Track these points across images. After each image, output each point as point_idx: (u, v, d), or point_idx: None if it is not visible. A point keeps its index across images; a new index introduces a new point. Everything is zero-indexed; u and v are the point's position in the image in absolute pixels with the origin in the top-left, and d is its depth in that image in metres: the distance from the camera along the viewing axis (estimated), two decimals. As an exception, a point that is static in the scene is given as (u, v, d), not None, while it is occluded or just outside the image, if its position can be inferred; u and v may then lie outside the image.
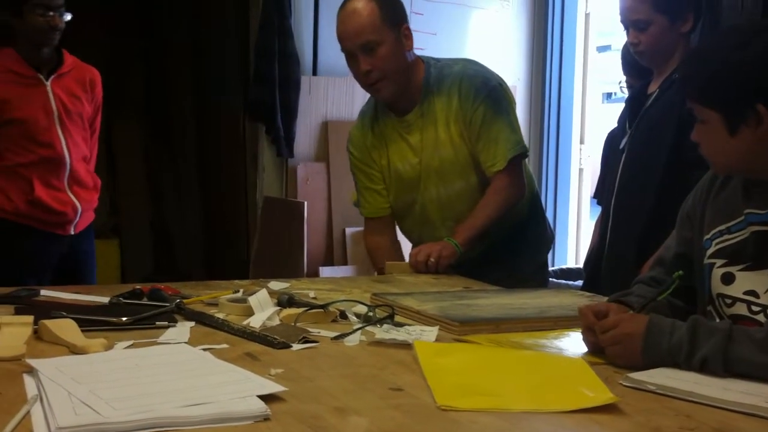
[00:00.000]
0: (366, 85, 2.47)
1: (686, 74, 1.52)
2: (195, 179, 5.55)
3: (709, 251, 1.49)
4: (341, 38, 2.43)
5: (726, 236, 1.47)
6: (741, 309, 1.43)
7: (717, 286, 1.48)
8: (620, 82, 2.96)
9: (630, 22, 2.39)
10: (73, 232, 3.00)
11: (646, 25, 2.34)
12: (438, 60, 2.56)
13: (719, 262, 1.48)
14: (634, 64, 2.80)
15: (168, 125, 5.59)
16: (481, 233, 2.46)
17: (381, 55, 2.38)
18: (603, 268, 2.54)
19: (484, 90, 2.45)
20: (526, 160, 2.60)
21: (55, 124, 2.91)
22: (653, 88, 2.44)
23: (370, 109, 2.62)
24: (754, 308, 1.42)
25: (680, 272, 1.50)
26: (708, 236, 1.51)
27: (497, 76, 2.55)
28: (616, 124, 2.89)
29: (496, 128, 2.44)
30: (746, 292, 1.43)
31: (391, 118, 2.53)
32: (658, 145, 2.33)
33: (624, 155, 2.46)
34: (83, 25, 3.47)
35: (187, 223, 5.54)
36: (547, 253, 2.78)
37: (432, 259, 2.35)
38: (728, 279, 1.46)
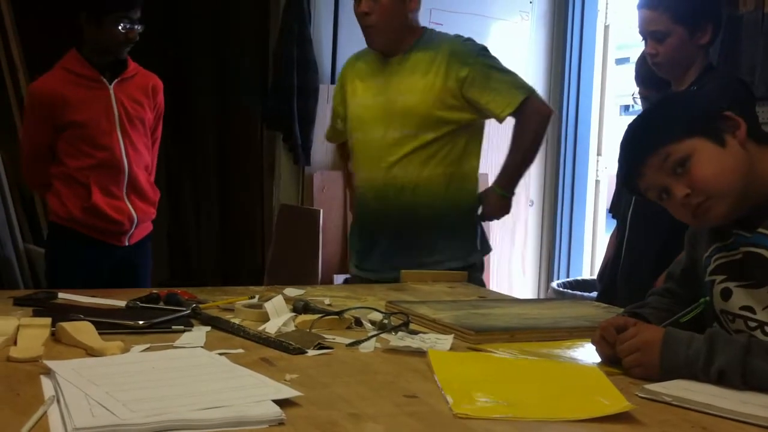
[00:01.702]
0: (362, 26, 2.60)
1: (665, 121, 1.50)
2: (213, 186, 5.57)
3: (710, 268, 1.50)
4: None
5: (723, 253, 1.48)
6: (739, 325, 1.43)
7: (718, 302, 1.48)
8: (633, 94, 2.95)
9: (648, 33, 2.38)
10: (128, 243, 2.90)
11: (664, 37, 2.33)
12: (431, 29, 2.69)
13: (719, 278, 1.48)
14: (648, 74, 2.78)
15: (187, 132, 5.62)
16: (522, 172, 2.62)
17: (384, 3, 2.52)
18: (618, 279, 2.54)
19: (479, 50, 2.58)
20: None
21: (116, 128, 2.82)
22: None
23: (364, 50, 2.75)
24: (751, 324, 1.42)
25: (707, 298, 1.51)
26: (707, 253, 1.51)
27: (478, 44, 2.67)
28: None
29: (491, 77, 2.55)
30: (742, 308, 1.43)
31: (375, 57, 2.67)
32: None
33: None
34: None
35: (204, 229, 5.57)
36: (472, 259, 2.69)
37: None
38: (726, 294, 1.46)
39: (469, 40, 2.65)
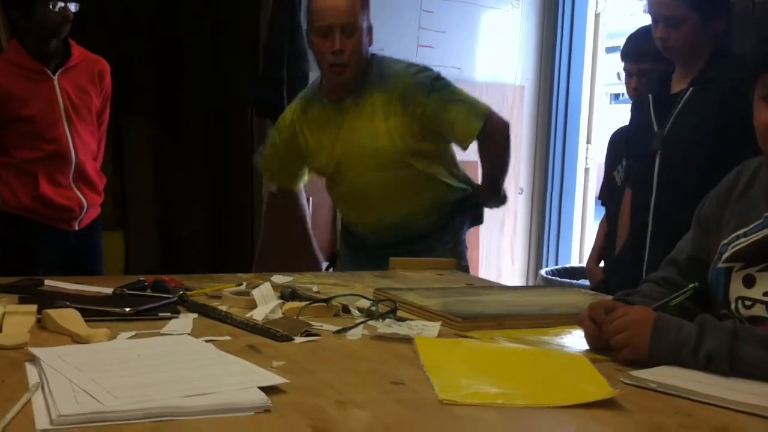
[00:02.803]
0: (332, 65, 2.51)
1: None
2: (202, 173, 5.56)
3: (726, 255, 1.48)
4: (323, 12, 2.47)
5: (742, 239, 1.46)
6: (760, 310, 1.42)
7: (738, 290, 1.46)
8: (618, 72, 2.93)
9: (661, 17, 2.32)
10: (77, 228, 2.97)
11: (678, 22, 2.28)
12: (378, 54, 2.63)
13: (737, 265, 1.46)
14: (633, 50, 2.78)
15: (177, 120, 5.60)
16: (501, 181, 2.67)
17: (356, 40, 2.48)
18: (617, 261, 2.52)
19: (429, 83, 2.53)
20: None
21: (62, 119, 2.86)
22: (680, 86, 2.38)
23: (306, 95, 2.73)
24: None
25: (696, 284, 1.50)
26: (726, 241, 1.50)
27: (424, 67, 2.64)
28: (628, 124, 2.89)
29: (448, 110, 2.53)
30: (766, 293, 1.42)
31: (325, 105, 2.62)
32: (695, 150, 2.27)
33: (659, 157, 2.38)
34: (96, 21, 3.48)
35: (193, 216, 5.56)
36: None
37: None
38: (750, 281, 1.45)
39: (420, 71, 2.59)
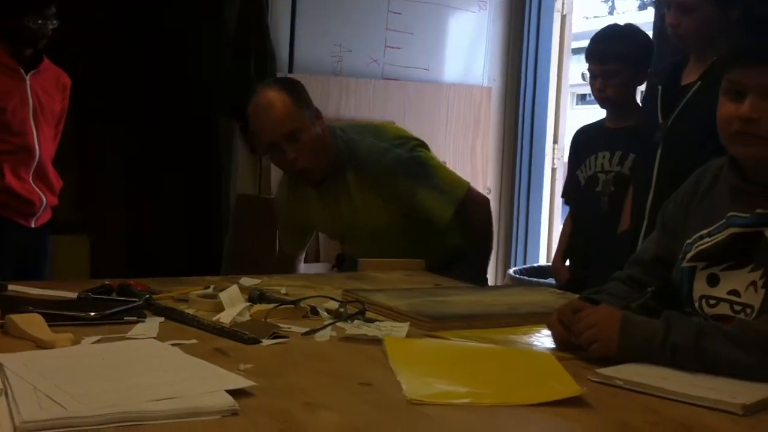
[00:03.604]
0: (294, 173, 2.51)
1: None
2: (170, 175, 5.51)
3: (690, 254, 1.50)
4: (262, 131, 2.44)
5: (706, 239, 1.48)
6: (724, 309, 1.44)
7: (702, 288, 1.47)
8: (583, 72, 2.93)
9: (674, 3, 2.25)
10: (34, 225, 3.07)
11: (690, 8, 2.21)
12: (343, 130, 2.55)
13: (701, 264, 1.48)
14: (597, 51, 2.79)
15: (144, 122, 5.55)
16: (485, 264, 2.63)
17: (304, 141, 2.40)
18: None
19: (398, 168, 2.44)
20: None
21: (29, 117, 2.99)
22: (691, 77, 2.29)
23: (289, 178, 2.66)
24: (736, 307, 1.42)
25: (652, 288, 1.52)
26: (690, 240, 1.51)
27: (409, 141, 2.53)
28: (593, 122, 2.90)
29: (420, 197, 2.45)
30: (729, 292, 1.44)
31: (308, 188, 2.58)
32: (698, 145, 2.13)
33: (660, 151, 2.32)
34: (64, 22, 3.46)
35: (161, 219, 5.51)
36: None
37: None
38: (714, 280, 1.46)
39: (390, 148, 2.48)
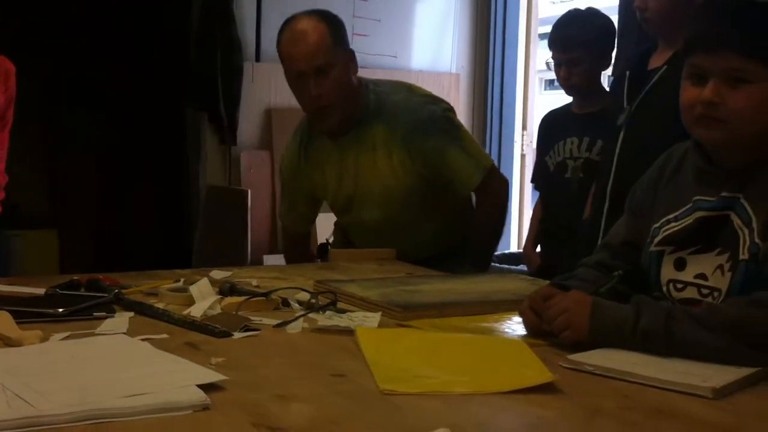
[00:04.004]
0: (314, 111, 2.37)
1: (744, 28, 1.42)
2: (138, 168, 5.47)
3: (657, 239, 1.51)
4: (291, 59, 2.31)
5: (673, 223, 1.49)
6: (692, 293, 1.45)
7: (669, 272, 1.49)
8: (547, 60, 2.93)
9: None
10: None
11: None
12: (376, 84, 2.46)
13: (669, 248, 1.49)
14: (559, 39, 2.79)
15: (113, 115, 5.50)
16: (493, 250, 2.57)
17: (333, 78, 2.29)
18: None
19: (431, 124, 2.37)
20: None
21: None
22: (658, 62, 2.28)
23: (302, 132, 2.54)
24: (704, 291, 1.44)
25: (620, 272, 1.53)
26: (657, 225, 1.52)
27: (441, 102, 2.47)
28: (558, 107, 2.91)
29: (449, 158, 2.38)
30: (697, 276, 1.45)
31: (324, 141, 2.46)
32: (660, 129, 2.12)
33: (623, 134, 2.30)
34: (29, 14, 3.40)
35: (130, 213, 5.46)
36: None
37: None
38: (681, 264, 1.47)
39: (423, 104, 2.41)
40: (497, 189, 2.47)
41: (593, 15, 2.85)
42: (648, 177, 1.62)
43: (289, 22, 2.36)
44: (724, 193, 1.43)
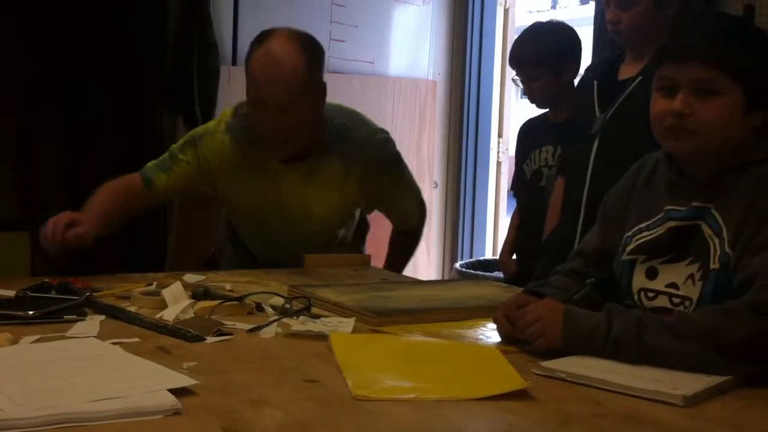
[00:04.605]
0: (270, 139, 2.22)
1: (713, 40, 1.43)
2: (113, 171, 5.41)
3: (629, 247, 1.52)
4: (258, 84, 2.15)
5: (645, 233, 1.51)
6: (663, 301, 1.46)
7: (641, 281, 1.50)
8: (513, 77, 2.97)
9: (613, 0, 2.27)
10: None
11: (629, 5, 2.22)
12: (334, 111, 2.35)
13: (641, 257, 1.50)
14: (514, 57, 2.82)
15: (86, 115, 5.45)
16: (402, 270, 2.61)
17: (297, 115, 2.15)
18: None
19: (387, 162, 2.38)
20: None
21: None
22: (630, 72, 2.29)
23: (241, 130, 2.32)
24: (675, 300, 1.45)
25: (592, 280, 1.54)
26: (629, 233, 1.54)
27: (387, 134, 2.42)
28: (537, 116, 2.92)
29: (400, 196, 2.46)
30: (668, 285, 1.46)
31: (271, 159, 2.31)
32: (636, 139, 2.03)
33: (597, 143, 2.30)
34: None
35: (103, 215, 5.41)
36: None
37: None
38: (652, 273, 1.49)
39: (381, 145, 2.38)
40: (422, 221, 2.61)
41: (547, 31, 2.85)
42: (620, 186, 1.63)
43: (265, 40, 2.17)
44: (694, 203, 1.45)
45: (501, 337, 1.51)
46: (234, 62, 4.19)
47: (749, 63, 1.41)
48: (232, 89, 4.15)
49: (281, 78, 2.12)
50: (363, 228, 2.62)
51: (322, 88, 2.24)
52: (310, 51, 2.19)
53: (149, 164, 2.52)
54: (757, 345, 1.26)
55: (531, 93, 2.81)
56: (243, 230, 2.56)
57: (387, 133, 2.44)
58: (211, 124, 2.46)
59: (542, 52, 2.76)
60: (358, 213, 2.51)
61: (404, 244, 2.64)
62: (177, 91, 4.09)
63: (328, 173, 2.31)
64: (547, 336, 1.39)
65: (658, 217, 1.50)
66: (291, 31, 2.20)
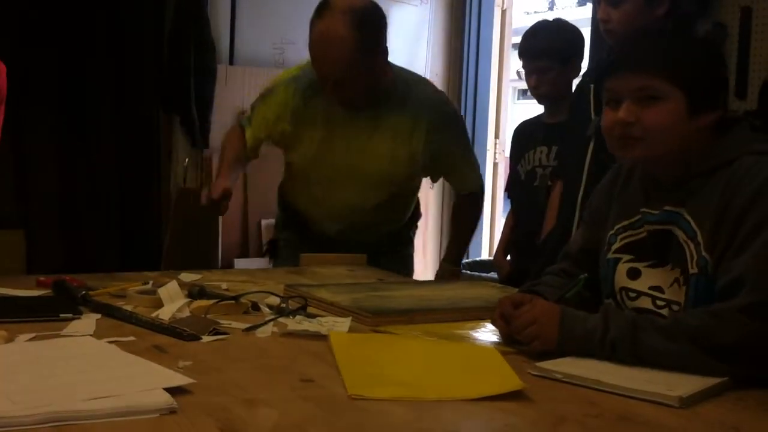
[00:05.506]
0: (324, 88, 2.28)
1: (647, 49, 1.48)
2: (109, 170, 5.41)
3: (615, 246, 1.54)
4: (312, 58, 2.24)
5: (630, 231, 1.52)
6: (645, 303, 1.48)
7: (622, 280, 1.52)
8: (518, 69, 2.97)
9: None
10: None
11: (619, 2, 2.22)
12: (403, 70, 2.44)
13: (625, 257, 1.52)
14: (528, 48, 2.82)
15: (81, 114, 5.44)
16: (468, 246, 2.70)
17: (351, 86, 2.24)
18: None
19: (453, 122, 2.46)
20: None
21: None
22: None
23: (308, 81, 2.36)
24: (659, 303, 1.46)
25: (585, 275, 1.55)
26: (612, 232, 1.55)
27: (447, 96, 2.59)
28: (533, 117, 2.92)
29: (462, 155, 2.50)
30: (652, 287, 1.47)
31: (335, 105, 2.34)
32: None
33: (593, 146, 2.32)
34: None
35: (100, 214, 5.41)
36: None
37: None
38: (634, 274, 1.50)
39: (446, 103, 2.49)
40: (482, 202, 2.67)
41: (560, 26, 2.89)
42: (602, 186, 1.66)
43: (322, 13, 2.21)
44: (666, 207, 1.47)
45: (501, 337, 1.51)
46: (231, 62, 4.19)
47: (685, 66, 1.43)
48: (229, 89, 4.15)
49: (330, 57, 2.19)
50: (416, 215, 2.67)
51: (378, 59, 2.27)
52: (363, 23, 2.20)
53: (245, 122, 2.55)
54: (748, 347, 1.27)
55: (537, 86, 2.80)
56: (303, 192, 2.54)
57: (447, 98, 2.56)
58: (280, 77, 2.52)
59: (555, 44, 2.77)
60: (419, 184, 2.56)
61: (468, 209, 2.64)
62: (173, 90, 4.08)
63: (394, 126, 2.36)
64: (543, 339, 1.39)
65: (636, 219, 1.51)
66: (346, 4, 2.21)
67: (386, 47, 2.31)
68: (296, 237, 2.60)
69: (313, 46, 2.24)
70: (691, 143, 1.43)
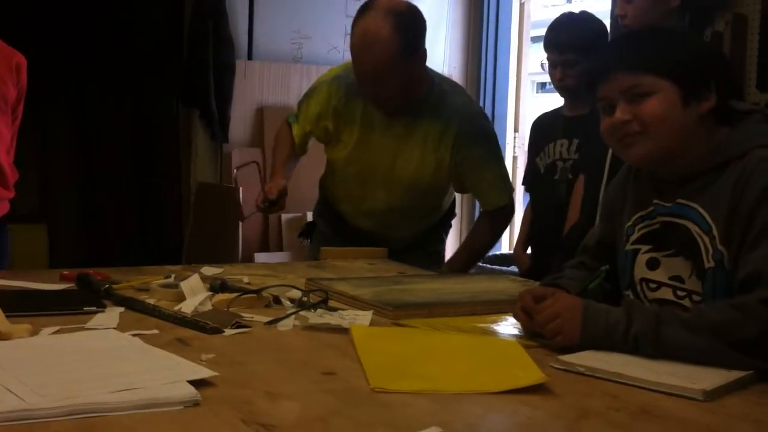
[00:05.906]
0: (362, 88, 2.35)
1: (637, 48, 1.49)
2: (129, 164, 5.45)
3: (633, 237, 1.53)
4: (353, 57, 2.29)
5: (647, 221, 1.51)
6: (666, 294, 1.47)
7: (641, 271, 1.51)
8: (542, 61, 2.95)
9: None
10: None
11: None
12: (439, 78, 2.48)
13: (644, 248, 1.51)
14: (555, 41, 2.81)
15: (101, 109, 5.48)
16: (477, 262, 2.65)
17: (390, 86, 2.27)
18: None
19: (483, 136, 2.43)
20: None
21: None
22: None
23: (351, 82, 2.40)
24: (680, 293, 1.46)
25: (607, 267, 1.55)
26: (630, 223, 1.55)
27: (484, 112, 2.59)
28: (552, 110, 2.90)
29: (488, 173, 2.46)
30: (672, 278, 1.47)
31: (374, 110, 2.40)
32: None
33: None
34: (9, 9, 3.37)
35: (120, 208, 5.45)
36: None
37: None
38: (653, 264, 1.50)
39: (477, 117, 2.47)
40: (507, 219, 2.62)
41: (588, 19, 2.88)
42: (617, 179, 1.66)
43: (365, 13, 2.26)
44: (679, 200, 1.46)
45: (524, 331, 1.51)
46: (249, 57, 4.20)
47: (667, 56, 1.44)
48: (248, 83, 4.16)
49: (371, 57, 2.22)
50: (449, 214, 2.68)
51: (418, 61, 2.30)
52: (405, 25, 2.24)
53: (292, 118, 2.64)
54: None
55: (562, 78, 2.77)
56: (340, 187, 2.60)
57: (484, 111, 2.57)
58: (325, 75, 2.57)
59: (582, 36, 2.75)
60: (450, 190, 2.56)
61: (485, 225, 2.59)
62: (193, 85, 4.10)
63: (425, 132, 2.38)
64: (566, 333, 1.39)
65: (650, 210, 1.51)
66: (389, 5, 2.26)
67: (425, 50, 2.33)
68: (331, 228, 2.65)
69: (355, 44, 2.27)
70: (692, 134, 1.43)
